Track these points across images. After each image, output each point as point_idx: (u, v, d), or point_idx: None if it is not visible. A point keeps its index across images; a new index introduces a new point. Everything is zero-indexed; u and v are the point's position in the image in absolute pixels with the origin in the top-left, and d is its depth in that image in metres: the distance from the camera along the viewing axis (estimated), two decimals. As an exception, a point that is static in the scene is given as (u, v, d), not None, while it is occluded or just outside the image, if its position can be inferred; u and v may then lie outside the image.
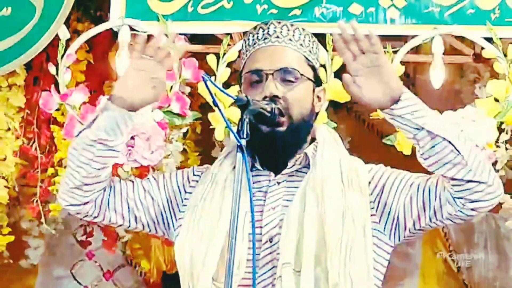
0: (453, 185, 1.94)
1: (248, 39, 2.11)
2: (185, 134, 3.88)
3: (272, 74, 2.02)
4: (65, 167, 3.68)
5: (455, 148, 1.91)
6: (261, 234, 1.98)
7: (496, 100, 3.05)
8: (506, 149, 3.10)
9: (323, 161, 2.02)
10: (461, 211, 1.96)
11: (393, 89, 1.91)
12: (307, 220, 1.93)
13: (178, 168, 3.81)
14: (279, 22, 2.09)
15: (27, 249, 4.31)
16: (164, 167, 3.80)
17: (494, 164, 3.06)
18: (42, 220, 3.93)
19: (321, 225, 1.93)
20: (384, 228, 2.02)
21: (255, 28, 2.11)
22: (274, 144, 2.01)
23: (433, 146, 1.92)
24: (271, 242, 1.98)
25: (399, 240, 2.06)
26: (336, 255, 1.90)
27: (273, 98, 2.00)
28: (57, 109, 3.34)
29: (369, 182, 2.04)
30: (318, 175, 1.99)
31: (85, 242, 4.50)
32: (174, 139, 3.80)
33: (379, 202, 2.02)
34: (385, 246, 2.04)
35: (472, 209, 1.95)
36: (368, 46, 1.89)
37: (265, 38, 2.07)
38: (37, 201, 3.89)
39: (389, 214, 2.02)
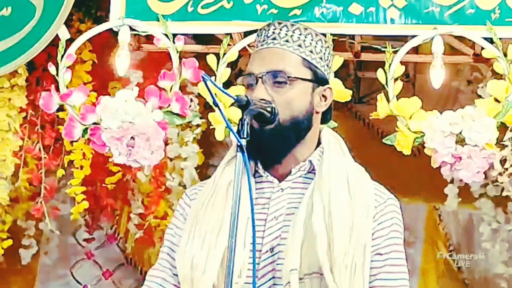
0: None
1: (255, 41, 2.12)
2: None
3: (262, 77, 2.02)
4: (81, 167, 3.70)
5: None
6: (262, 244, 1.97)
7: (496, 100, 3.06)
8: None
9: (330, 172, 2.00)
10: None
11: None
12: (314, 230, 1.92)
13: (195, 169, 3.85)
14: (280, 23, 2.08)
15: (20, 248, 4.31)
16: (183, 171, 3.84)
17: (503, 162, 3.07)
18: (47, 220, 3.95)
19: (327, 237, 1.92)
20: None
21: (260, 29, 2.11)
22: (261, 140, 1.99)
23: None
24: (271, 252, 1.97)
25: None
26: (343, 271, 1.89)
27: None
28: (63, 110, 3.35)
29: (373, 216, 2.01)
30: (325, 185, 1.98)
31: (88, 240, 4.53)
32: (189, 141, 3.82)
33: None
34: None
35: None
36: None
37: (263, 41, 2.07)
38: (41, 201, 3.91)
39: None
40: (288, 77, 2.01)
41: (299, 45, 2.05)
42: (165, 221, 3.99)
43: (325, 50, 2.09)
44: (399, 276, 2.00)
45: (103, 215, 4.41)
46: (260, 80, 2.01)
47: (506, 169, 3.38)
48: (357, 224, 1.94)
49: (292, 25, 2.08)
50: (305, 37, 2.06)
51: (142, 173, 3.66)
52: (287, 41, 2.05)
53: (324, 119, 2.12)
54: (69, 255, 4.62)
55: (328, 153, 2.04)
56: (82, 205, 3.68)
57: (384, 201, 2.03)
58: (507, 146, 3.16)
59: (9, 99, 3.62)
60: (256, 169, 2.04)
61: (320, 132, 2.10)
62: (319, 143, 2.08)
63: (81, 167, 3.69)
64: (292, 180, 2.04)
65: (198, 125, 3.78)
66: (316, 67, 2.06)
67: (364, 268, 1.93)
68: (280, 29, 2.06)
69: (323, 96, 2.08)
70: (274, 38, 2.06)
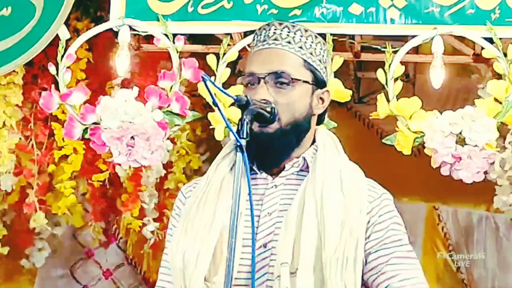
0: None
1: (253, 40, 2.12)
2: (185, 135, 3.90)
3: (264, 77, 2.02)
4: (70, 162, 3.69)
5: None
6: (256, 239, 1.97)
7: (496, 100, 3.06)
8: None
9: (323, 168, 2.00)
10: None
11: None
12: (306, 225, 1.93)
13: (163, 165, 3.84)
14: (281, 24, 2.08)
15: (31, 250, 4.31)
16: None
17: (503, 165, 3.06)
18: (36, 216, 3.93)
19: (318, 232, 1.93)
20: None
21: (259, 29, 2.11)
22: (262, 144, 2.00)
23: None
24: (265, 247, 1.98)
25: None
26: (333, 265, 1.90)
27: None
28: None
29: (367, 213, 2.01)
30: (318, 181, 1.98)
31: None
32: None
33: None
34: None
35: None
36: None
37: (264, 40, 2.06)
38: (33, 198, 3.90)
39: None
40: (291, 78, 2.01)
41: (301, 47, 2.05)
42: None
43: (324, 53, 2.10)
44: (411, 261, 2.00)
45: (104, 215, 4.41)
46: (262, 80, 2.01)
47: (506, 171, 3.37)
48: (349, 219, 1.94)
49: (293, 26, 2.08)
50: (306, 39, 2.07)
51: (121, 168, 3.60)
52: (289, 42, 2.05)
53: (318, 121, 2.13)
54: (69, 255, 4.63)
55: (322, 151, 2.04)
56: (69, 199, 3.67)
57: (379, 195, 2.04)
58: (507, 148, 3.15)
59: (5, 97, 3.62)
60: (251, 165, 2.05)
61: (315, 132, 2.11)
62: (313, 142, 2.09)
63: (71, 162, 3.68)
64: (286, 176, 2.04)
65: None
66: (316, 69, 2.06)
67: (356, 263, 1.93)
68: (281, 30, 2.06)
69: (321, 98, 2.09)
70: (276, 39, 2.06)
